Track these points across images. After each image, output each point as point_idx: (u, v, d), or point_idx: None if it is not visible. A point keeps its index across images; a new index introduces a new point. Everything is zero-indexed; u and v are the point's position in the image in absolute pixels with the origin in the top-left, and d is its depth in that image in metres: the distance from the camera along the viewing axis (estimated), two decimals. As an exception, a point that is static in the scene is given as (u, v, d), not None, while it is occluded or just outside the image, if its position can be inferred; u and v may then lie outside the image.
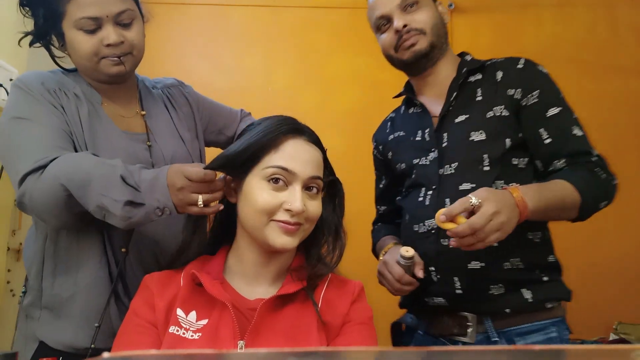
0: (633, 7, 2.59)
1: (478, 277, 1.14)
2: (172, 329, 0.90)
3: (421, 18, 1.23)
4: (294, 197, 0.93)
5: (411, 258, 1.14)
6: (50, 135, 1.03)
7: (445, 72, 1.29)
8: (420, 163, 1.26)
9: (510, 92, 1.19)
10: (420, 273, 1.15)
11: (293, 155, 0.95)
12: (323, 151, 1.02)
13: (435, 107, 1.28)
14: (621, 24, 2.58)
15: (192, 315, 0.92)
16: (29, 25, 1.13)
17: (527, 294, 1.14)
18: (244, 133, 1.01)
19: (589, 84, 2.52)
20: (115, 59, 1.09)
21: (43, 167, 0.98)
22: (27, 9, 1.11)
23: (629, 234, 2.44)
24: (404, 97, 1.41)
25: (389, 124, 1.44)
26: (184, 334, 0.90)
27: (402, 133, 1.35)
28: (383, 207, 1.53)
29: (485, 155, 1.17)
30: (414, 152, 1.28)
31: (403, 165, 1.31)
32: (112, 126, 1.13)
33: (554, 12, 2.59)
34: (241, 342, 0.88)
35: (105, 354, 0.43)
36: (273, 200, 0.93)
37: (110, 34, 1.07)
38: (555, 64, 2.54)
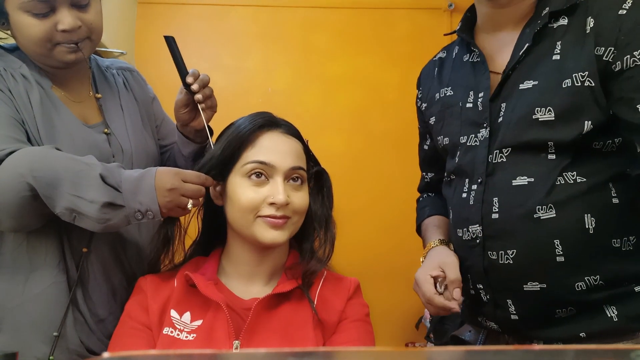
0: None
1: (538, 300, 0.90)
2: (166, 330, 0.90)
3: None
4: (277, 190, 0.92)
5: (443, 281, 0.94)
6: (5, 127, 0.91)
7: (524, 6, 0.95)
8: (467, 143, 0.98)
9: (600, 50, 0.85)
10: (456, 295, 0.92)
11: (270, 148, 0.95)
12: (303, 142, 1.01)
13: (499, 57, 0.97)
14: (621, 24, 2.58)
15: (187, 316, 0.92)
16: None
17: (611, 311, 0.87)
18: (221, 135, 1.01)
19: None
20: (72, 45, 0.96)
21: None
22: None
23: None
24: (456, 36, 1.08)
25: (436, 69, 1.12)
26: (178, 335, 0.90)
27: (449, 92, 1.04)
28: (430, 174, 1.20)
29: (551, 143, 0.88)
30: (462, 125, 1.00)
31: (446, 141, 1.04)
32: (69, 114, 1.01)
33: (554, 11, 2.59)
34: (236, 342, 0.88)
35: (105, 354, 0.43)
36: (256, 195, 0.93)
37: (65, 17, 0.93)
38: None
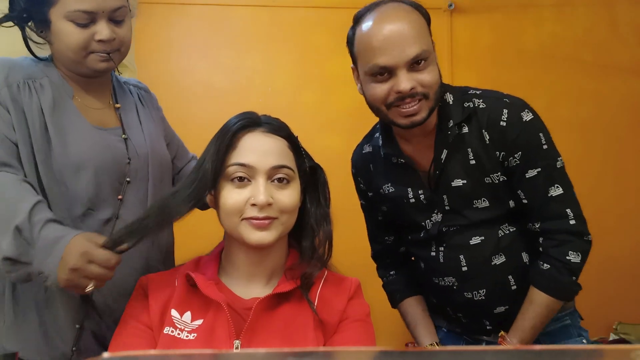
0: (633, 6, 2.59)
1: (506, 317, 1.19)
2: (167, 329, 0.90)
3: (428, 80, 1.08)
4: (257, 191, 0.92)
5: None
6: None
7: (432, 119, 1.16)
8: (425, 224, 1.22)
9: (498, 154, 1.14)
10: None
11: (250, 149, 0.94)
12: (291, 140, 1.00)
13: (422, 159, 1.20)
14: (621, 23, 2.58)
15: (187, 315, 0.92)
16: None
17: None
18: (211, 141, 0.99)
19: (588, 83, 2.52)
20: (105, 55, 1.06)
21: None
22: None
23: (629, 234, 2.44)
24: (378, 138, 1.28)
25: (371, 165, 1.30)
26: (178, 334, 0.90)
27: (391, 189, 1.25)
28: (390, 238, 1.37)
29: (492, 216, 1.17)
30: (415, 212, 1.22)
31: (406, 223, 1.27)
32: (81, 119, 1.07)
33: (554, 11, 2.59)
34: (237, 341, 0.88)
35: (105, 354, 0.43)
36: (238, 197, 0.92)
37: (103, 29, 1.03)
38: (555, 64, 2.57)
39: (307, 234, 1.00)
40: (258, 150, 0.94)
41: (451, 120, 1.14)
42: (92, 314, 1.05)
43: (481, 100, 1.16)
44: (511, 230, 1.19)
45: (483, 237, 1.18)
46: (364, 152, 1.32)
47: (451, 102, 1.16)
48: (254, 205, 0.91)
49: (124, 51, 1.11)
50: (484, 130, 1.14)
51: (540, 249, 1.16)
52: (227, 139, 0.94)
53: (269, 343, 0.88)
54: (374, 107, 1.15)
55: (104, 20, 1.04)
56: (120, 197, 1.08)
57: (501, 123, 1.13)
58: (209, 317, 0.91)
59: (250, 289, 0.97)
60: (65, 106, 1.06)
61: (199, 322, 0.91)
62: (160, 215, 0.94)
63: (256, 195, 0.91)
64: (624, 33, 2.56)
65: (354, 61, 1.17)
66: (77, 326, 1.03)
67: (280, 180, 0.95)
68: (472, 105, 1.15)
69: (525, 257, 1.19)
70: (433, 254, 1.23)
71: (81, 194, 1.03)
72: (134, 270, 1.06)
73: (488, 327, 1.23)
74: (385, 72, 1.07)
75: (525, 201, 1.15)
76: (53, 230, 0.90)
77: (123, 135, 1.11)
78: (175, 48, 2.52)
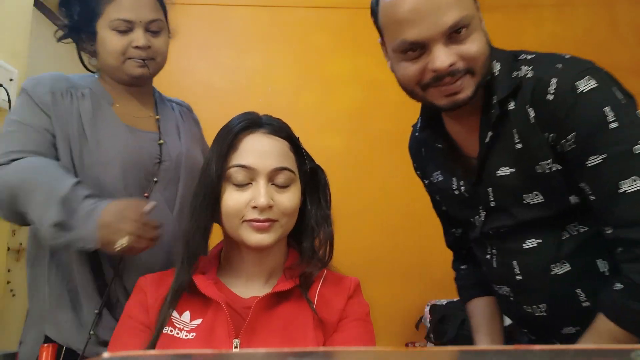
0: (633, 6, 2.59)
1: (576, 339, 0.94)
2: (166, 329, 0.90)
3: (472, 51, 0.87)
4: (258, 193, 0.91)
5: None
6: (29, 139, 1.09)
7: (480, 94, 0.95)
8: (472, 220, 1.04)
9: (547, 136, 0.90)
10: None
11: (251, 150, 0.94)
12: (292, 141, 0.99)
13: (469, 142, 1.00)
14: (621, 24, 2.58)
15: (186, 315, 0.92)
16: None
17: None
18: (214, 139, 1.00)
19: (589, 83, 2.52)
20: (140, 61, 1.17)
21: (6, 163, 1.05)
22: (64, 9, 1.20)
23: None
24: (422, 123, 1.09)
25: (423, 150, 1.14)
26: (177, 334, 0.89)
27: (440, 177, 1.09)
28: (458, 230, 1.19)
29: (549, 214, 0.93)
30: (461, 207, 1.06)
31: (457, 217, 1.11)
32: (117, 121, 1.17)
33: (554, 11, 2.59)
34: (236, 340, 0.88)
35: (105, 354, 0.43)
36: (239, 199, 0.92)
37: (140, 37, 1.16)
38: (555, 64, 2.57)
39: (307, 235, 1.00)
40: (259, 151, 0.94)
41: (495, 97, 0.93)
42: (113, 299, 1.10)
43: (530, 68, 0.93)
44: (582, 230, 0.93)
45: (540, 240, 0.95)
46: (415, 134, 1.15)
47: (497, 73, 0.95)
48: (254, 207, 0.91)
49: (159, 61, 1.22)
50: (527, 107, 0.91)
51: (617, 261, 0.89)
52: (228, 139, 0.94)
53: (269, 342, 0.88)
54: (407, 89, 0.95)
55: (141, 29, 1.17)
56: (146, 194, 1.14)
57: (547, 97, 0.88)
58: (208, 317, 0.91)
59: (250, 288, 0.97)
60: (104, 111, 1.17)
61: (198, 321, 0.91)
62: (187, 251, 0.95)
63: (257, 197, 0.91)
64: (624, 33, 2.57)
65: (381, 34, 0.97)
66: (95, 312, 1.08)
67: (280, 182, 0.94)
68: (520, 75, 0.93)
69: (602, 265, 0.93)
70: (488, 256, 1.04)
71: (109, 188, 1.10)
72: (161, 251, 1.12)
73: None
74: (417, 48, 0.88)
75: (592, 197, 0.88)
76: (92, 202, 1.00)
77: (160, 141, 1.20)
78: (175, 48, 2.52)
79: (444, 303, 2.51)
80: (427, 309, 2.52)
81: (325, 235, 0.99)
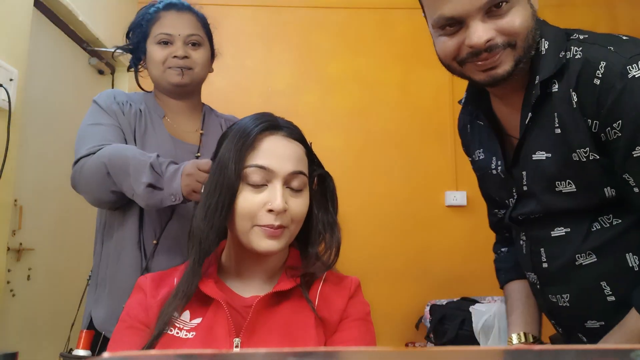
0: (633, 6, 2.59)
1: (601, 334, 0.93)
2: (166, 328, 0.90)
3: (514, 25, 0.85)
4: (274, 195, 0.90)
5: None
6: (106, 133, 1.26)
7: (521, 73, 0.92)
8: (507, 202, 1.04)
9: (590, 123, 0.86)
10: None
11: (270, 152, 0.93)
12: (306, 145, 0.99)
13: (512, 120, 0.98)
14: (621, 24, 2.58)
15: (186, 314, 0.91)
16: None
17: None
18: (224, 137, 0.99)
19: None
20: (178, 69, 1.30)
21: (93, 153, 1.20)
22: (128, 39, 1.38)
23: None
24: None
25: (468, 126, 1.12)
26: (177, 333, 0.89)
27: (481, 155, 1.08)
28: (501, 211, 1.15)
29: (579, 205, 0.92)
30: (497, 188, 1.05)
31: (496, 198, 1.10)
32: (163, 130, 1.31)
33: (554, 11, 2.59)
34: (237, 339, 0.88)
35: (105, 354, 0.43)
36: (254, 200, 0.91)
37: (178, 48, 1.31)
38: (555, 64, 2.57)
39: (314, 241, 1.00)
40: (278, 154, 0.93)
41: (537, 76, 0.90)
42: None
43: (580, 49, 0.87)
44: (615, 223, 0.90)
45: (568, 229, 0.93)
46: (463, 110, 1.14)
47: (544, 51, 0.90)
48: (270, 211, 0.90)
49: (197, 71, 1.34)
50: (571, 90, 0.87)
51: None
52: (249, 140, 0.92)
53: (269, 341, 0.88)
54: (444, 64, 0.94)
55: (181, 42, 1.31)
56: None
57: (594, 81, 0.83)
58: (208, 316, 0.91)
59: (250, 287, 0.97)
60: (154, 121, 1.32)
61: (198, 320, 0.91)
62: (199, 250, 0.93)
63: (273, 200, 0.90)
64: (624, 33, 2.57)
65: (423, 9, 0.95)
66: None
67: (294, 186, 0.94)
68: (568, 56, 0.88)
69: (632, 260, 0.90)
70: (520, 242, 1.03)
71: None
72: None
73: (585, 342, 0.99)
74: (455, 23, 0.87)
75: (637, 189, 0.85)
76: (174, 165, 1.13)
77: (197, 154, 1.32)
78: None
79: (444, 303, 2.51)
80: (427, 309, 2.53)
81: (332, 241, 0.99)
